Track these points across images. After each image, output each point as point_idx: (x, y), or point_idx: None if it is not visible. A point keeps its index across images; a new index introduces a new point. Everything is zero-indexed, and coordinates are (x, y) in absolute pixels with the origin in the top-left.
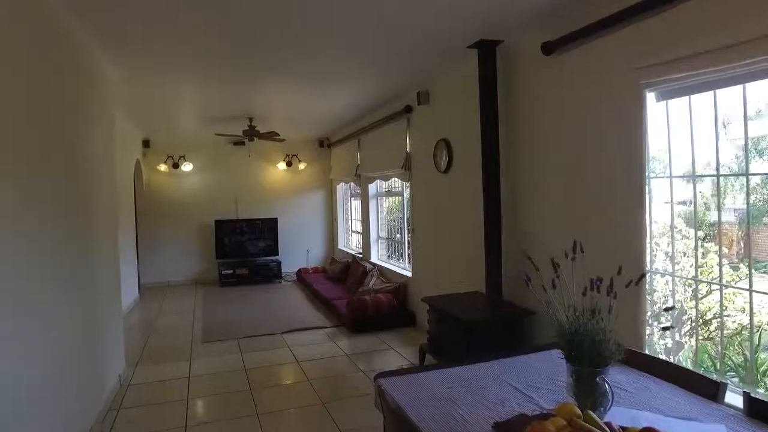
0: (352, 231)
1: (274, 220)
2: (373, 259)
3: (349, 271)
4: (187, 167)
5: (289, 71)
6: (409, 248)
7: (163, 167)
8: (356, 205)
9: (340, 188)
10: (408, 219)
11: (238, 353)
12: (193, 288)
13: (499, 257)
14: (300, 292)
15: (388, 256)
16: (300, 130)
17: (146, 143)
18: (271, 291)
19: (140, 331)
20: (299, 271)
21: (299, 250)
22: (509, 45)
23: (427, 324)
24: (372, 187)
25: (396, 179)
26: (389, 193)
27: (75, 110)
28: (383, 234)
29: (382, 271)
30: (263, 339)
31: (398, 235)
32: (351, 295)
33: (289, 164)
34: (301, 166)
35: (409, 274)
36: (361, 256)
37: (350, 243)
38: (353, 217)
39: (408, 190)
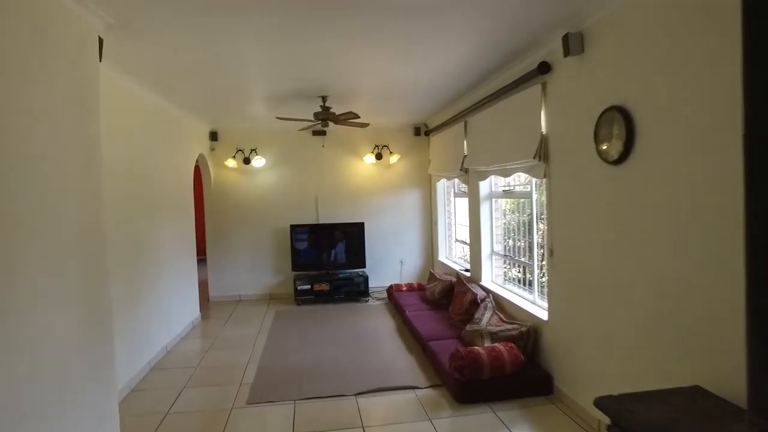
0: (456, 239)
1: (361, 226)
2: (485, 281)
3: (453, 295)
4: (258, 162)
5: (377, 25)
6: (541, 273)
7: (231, 163)
8: (462, 206)
9: (441, 186)
10: (540, 232)
11: (289, 428)
12: (266, 305)
13: None
14: (389, 319)
15: (506, 278)
16: (390, 114)
17: (213, 135)
18: (354, 313)
19: (176, 377)
20: (390, 288)
21: (390, 261)
22: None
23: None
24: (484, 186)
25: (521, 175)
26: (509, 193)
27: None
28: (499, 248)
29: (498, 301)
30: (329, 404)
31: (523, 254)
32: (456, 340)
33: (378, 157)
34: (393, 159)
35: (543, 314)
36: (468, 274)
37: (454, 254)
38: (458, 222)
39: (542, 190)
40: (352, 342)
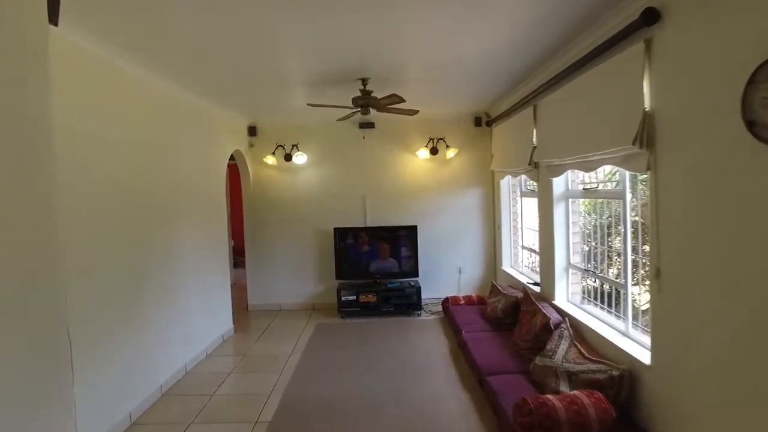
0: (523, 247)
1: (413, 229)
2: (559, 299)
3: (519, 314)
4: (300, 159)
5: None
6: (640, 296)
7: (270, 159)
8: (530, 207)
9: (505, 183)
10: (635, 243)
11: None
12: (306, 317)
13: None
14: (443, 339)
15: (585, 295)
16: (446, 101)
17: (252, 130)
18: (403, 329)
19: (186, 408)
20: (446, 300)
21: (447, 270)
22: None
23: None
24: (558, 183)
25: (608, 168)
26: (592, 192)
27: None
28: (577, 259)
29: (577, 328)
30: None
31: (604, 266)
32: (522, 376)
33: (433, 152)
34: (450, 153)
35: (642, 353)
36: (537, 289)
37: (520, 264)
38: (525, 226)
39: (643, 187)
40: (396, 368)
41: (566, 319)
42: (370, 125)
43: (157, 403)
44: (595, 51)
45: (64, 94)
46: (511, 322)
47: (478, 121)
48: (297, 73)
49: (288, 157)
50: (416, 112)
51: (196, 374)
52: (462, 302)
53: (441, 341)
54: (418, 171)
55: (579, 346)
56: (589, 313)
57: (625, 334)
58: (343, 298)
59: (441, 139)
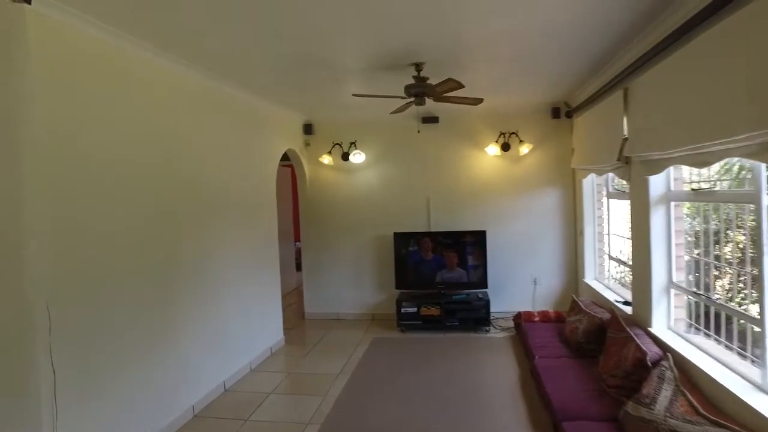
0: (610, 257)
1: (482, 235)
2: (657, 327)
3: (605, 340)
4: (357, 158)
5: None
6: None
7: (326, 159)
8: (619, 211)
9: (589, 183)
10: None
11: None
12: (364, 329)
13: None
14: (512, 363)
15: (693, 324)
16: (518, 89)
17: (308, 128)
18: (468, 349)
19: None
20: (519, 316)
21: (520, 280)
22: None
23: None
24: (657, 182)
25: (732, 162)
26: (705, 194)
27: None
28: (680, 277)
29: (684, 368)
30: None
31: (722, 287)
32: (609, 425)
33: (505, 148)
34: (524, 149)
35: None
36: (628, 310)
37: (606, 275)
38: (612, 233)
39: None
40: (455, 398)
41: (669, 355)
42: (433, 120)
43: (185, 428)
44: (718, 2)
45: (78, 89)
46: (595, 349)
47: (556, 112)
48: (343, 58)
49: (345, 156)
50: (480, 101)
51: (233, 394)
52: (537, 319)
53: (510, 366)
54: (488, 169)
55: (689, 395)
56: (702, 350)
57: (761, 388)
58: (402, 310)
59: (513, 133)
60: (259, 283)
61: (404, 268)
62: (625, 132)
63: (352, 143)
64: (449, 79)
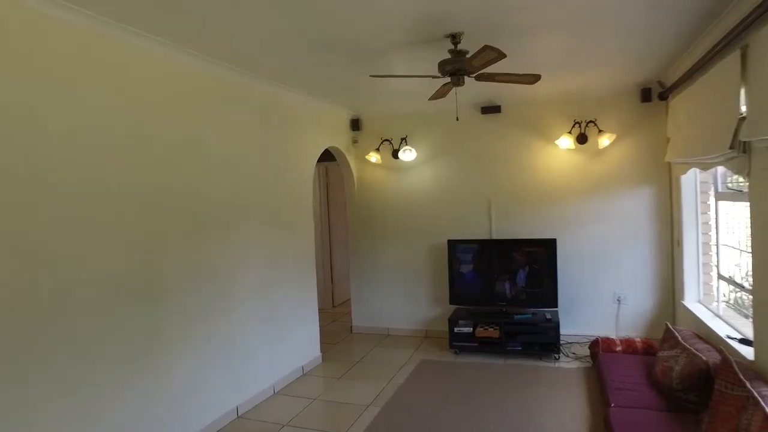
0: (720, 275)
1: (551, 244)
2: None
3: (711, 392)
4: (407, 155)
5: None
6: None
7: (374, 157)
8: (733, 215)
9: (690, 180)
10: None
11: None
12: (414, 347)
13: None
14: (585, 406)
15: None
16: (596, 65)
17: (355, 124)
18: (529, 382)
19: None
20: (596, 343)
21: (598, 298)
22: None
23: None
24: None
25: None
26: None
27: None
28: None
29: None
30: None
31: None
32: None
33: (580, 140)
34: (605, 140)
35: None
36: (748, 353)
37: (714, 299)
38: (724, 243)
39: None
40: None
41: None
42: (494, 109)
43: None
44: None
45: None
46: (695, 401)
47: (646, 94)
48: (371, 34)
49: (395, 154)
50: (536, 78)
51: (243, 422)
52: (619, 348)
53: (580, 410)
54: (560, 166)
55: None
56: None
57: None
58: (456, 330)
59: (591, 122)
60: (290, 298)
61: (459, 281)
62: (743, 108)
63: (402, 139)
64: (485, 48)
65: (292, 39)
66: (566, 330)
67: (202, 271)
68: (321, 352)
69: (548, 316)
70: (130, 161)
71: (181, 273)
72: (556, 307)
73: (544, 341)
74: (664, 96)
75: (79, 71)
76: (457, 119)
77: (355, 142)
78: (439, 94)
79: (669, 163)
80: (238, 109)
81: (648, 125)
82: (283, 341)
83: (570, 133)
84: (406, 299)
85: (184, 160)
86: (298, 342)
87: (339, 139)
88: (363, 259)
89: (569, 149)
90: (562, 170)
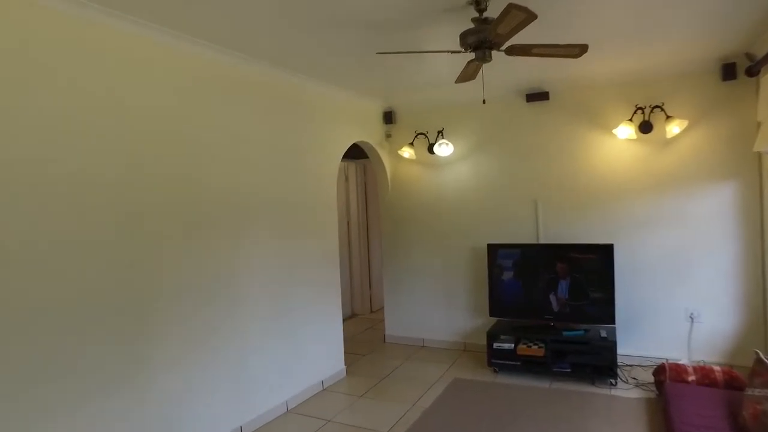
0: None
1: (608, 250)
2: None
3: None
4: (443, 150)
5: None
6: None
7: (407, 152)
8: None
9: None
10: None
11: None
12: (450, 361)
13: None
14: None
15: None
16: (663, 36)
17: (388, 116)
18: (578, 414)
19: None
20: (662, 369)
21: (666, 314)
22: None
23: None
24: None
25: None
26: None
27: None
28: None
29: None
30: None
31: None
32: None
33: (644, 128)
34: (674, 128)
35: None
36: None
37: None
38: None
39: None
40: None
41: None
42: (541, 96)
43: None
44: None
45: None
46: None
47: (728, 71)
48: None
49: (431, 149)
50: (582, 49)
51: None
52: (691, 378)
53: None
54: (619, 159)
55: None
56: None
57: None
58: (495, 346)
59: (657, 107)
60: (308, 306)
61: (499, 290)
62: None
63: (439, 132)
64: (510, 7)
65: (300, 17)
66: (625, 350)
67: (204, 279)
68: (346, 365)
69: (603, 333)
70: (112, 151)
71: (178, 281)
72: (613, 323)
73: (598, 363)
74: (753, 71)
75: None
76: (484, 102)
77: (388, 136)
78: (466, 76)
79: (759, 154)
80: (242, 99)
81: (730, 108)
82: (300, 354)
83: (631, 120)
84: (442, 308)
85: (178, 153)
86: (318, 355)
87: (370, 134)
88: (396, 263)
89: (630, 139)
90: (622, 164)
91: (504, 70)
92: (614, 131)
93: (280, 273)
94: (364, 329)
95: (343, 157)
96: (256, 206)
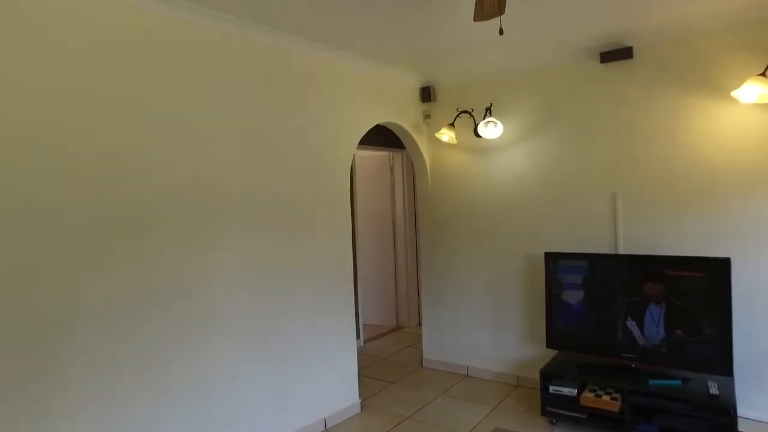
0: None
1: (721, 266)
2: None
3: None
4: (490, 131)
5: None
6: None
7: (445, 135)
8: None
9: None
10: None
11: None
12: (497, 400)
13: None
14: None
15: None
16: None
17: (426, 93)
18: None
19: None
20: None
21: None
22: None
23: None
24: None
25: None
26: None
27: None
28: None
29: None
30: None
31: None
32: None
33: None
34: None
35: None
36: None
37: None
38: None
39: None
40: None
41: None
42: (621, 54)
43: None
44: None
45: None
46: None
47: None
48: None
49: (476, 131)
50: None
51: None
52: None
53: None
54: (740, 135)
55: None
56: None
57: None
58: (552, 390)
59: None
60: (306, 325)
61: (561, 315)
62: None
63: (487, 109)
64: None
65: None
66: (748, 412)
67: (145, 294)
68: (366, 395)
69: (714, 387)
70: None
71: (101, 298)
72: (730, 373)
73: (705, 429)
74: None
75: None
76: (501, 32)
77: (427, 116)
78: (487, 13)
79: None
80: (215, 70)
81: None
82: (293, 383)
83: (764, 75)
84: (490, 330)
85: (108, 133)
86: (319, 384)
87: (401, 114)
88: (435, 274)
89: (759, 104)
90: (744, 143)
91: (567, 19)
92: (734, 94)
93: (265, 283)
94: (403, 347)
95: (388, 147)
96: (228, 202)
